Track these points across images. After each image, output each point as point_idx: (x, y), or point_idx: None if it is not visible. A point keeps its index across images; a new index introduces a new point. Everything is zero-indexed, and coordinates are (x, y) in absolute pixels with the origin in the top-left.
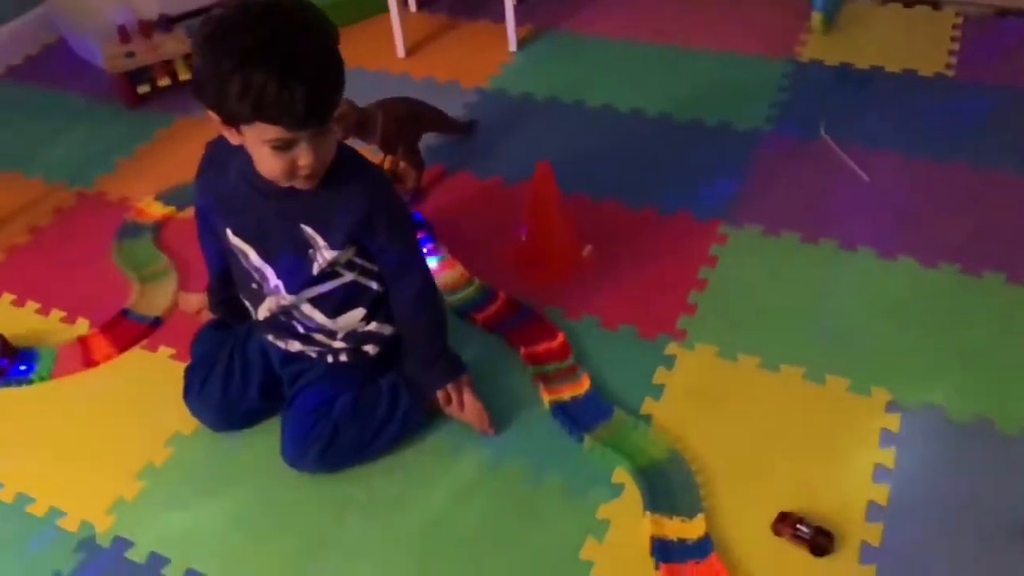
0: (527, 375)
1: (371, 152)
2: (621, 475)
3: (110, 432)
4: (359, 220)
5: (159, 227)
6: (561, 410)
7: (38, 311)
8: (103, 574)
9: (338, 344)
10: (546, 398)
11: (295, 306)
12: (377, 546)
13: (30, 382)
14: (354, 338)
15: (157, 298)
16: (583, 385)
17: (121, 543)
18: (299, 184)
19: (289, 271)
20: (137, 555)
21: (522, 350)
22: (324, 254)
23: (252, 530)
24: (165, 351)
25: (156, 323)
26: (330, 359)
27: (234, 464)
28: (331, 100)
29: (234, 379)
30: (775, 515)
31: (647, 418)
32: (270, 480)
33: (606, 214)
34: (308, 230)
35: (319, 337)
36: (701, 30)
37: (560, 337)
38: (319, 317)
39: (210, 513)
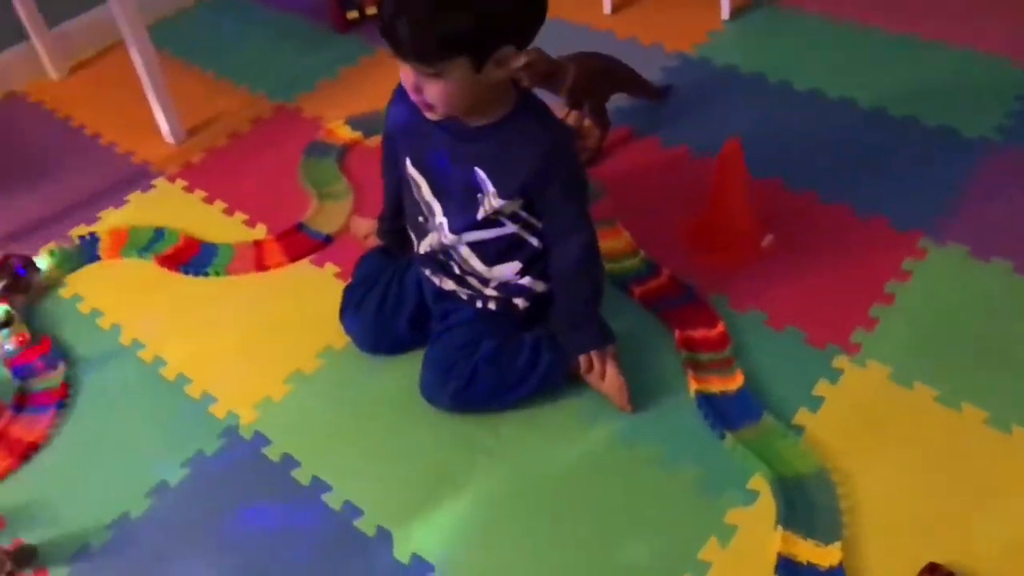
0: (678, 359)
1: (557, 105)
2: (759, 482)
3: (268, 334)
4: (534, 173)
5: (345, 150)
6: (707, 402)
7: (224, 211)
8: (239, 462)
9: (489, 292)
10: (693, 386)
11: (454, 247)
12: (497, 491)
13: (207, 275)
14: (506, 289)
15: (332, 217)
16: (735, 381)
17: (260, 439)
18: (427, 114)
19: (455, 211)
20: (272, 453)
21: (677, 333)
22: (491, 201)
23: (380, 451)
24: (331, 268)
25: (327, 240)
26: (479, 304)
27: (375, 385)
28: (430, 40)
29: (388, 304)
30: (923, 564)
31: (799, 429)
32: (405, 408)
33: (795, 205)
34: (481, 174)
35: (472, 281)
36: (942, 19)
37: (720, 326)
38: (475, 262)
39: (344, 428)
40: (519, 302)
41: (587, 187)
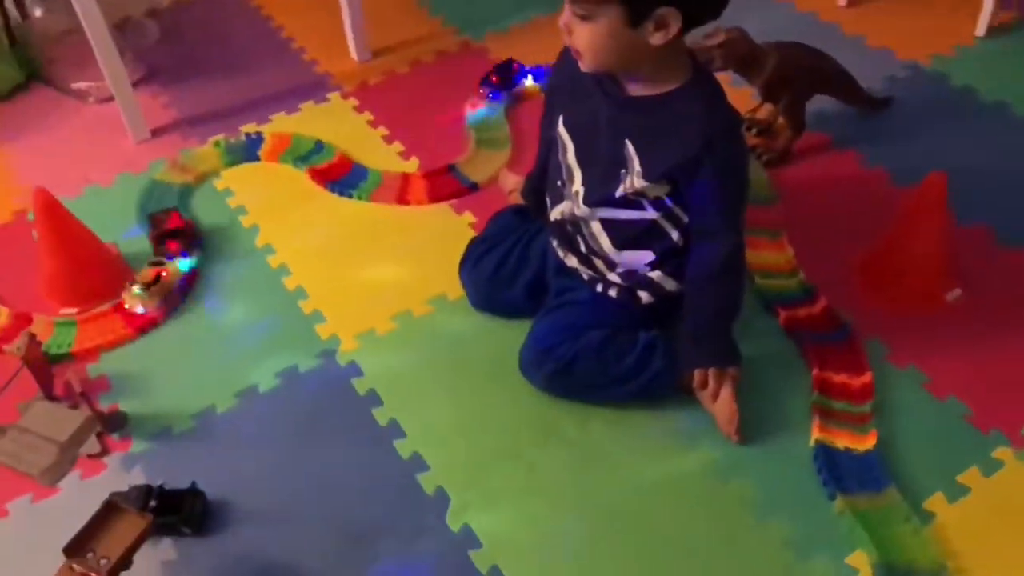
0: (807, 400)
1: (751, 96)
2: (859, 559)
3: (389, 268)
4: (686, 159)
5: (518, 100)
6: (827, 455)
7: (384, 138)
8: (327, 386)
9: (613, 277)
10: (816, 434)
11: (585, 220)
12: (566, 487)
13: (350, 196)
14: (632, 278)
15: (484, 165)
16: (867, 440)
17: (353, 369)
18: (581, 65)
19: (595, 182)
20: (360, 386)
21: (815, 371)
22: (634, 180)
23: (462, 413)
24: (468, 217)
25: (473, 187)
26: (599, 288)
27: (476, 345)
28: None
29: (507, 266)
30: None
31: (927, 515)
32: (499, 375)
33: (1000, 262)
34: (630, 148)
35: (597, 262)
36: None
37: (867, 376)
38: (604, 241)
39: (435, 380)
40: (643, 295)
41: (745, 189)
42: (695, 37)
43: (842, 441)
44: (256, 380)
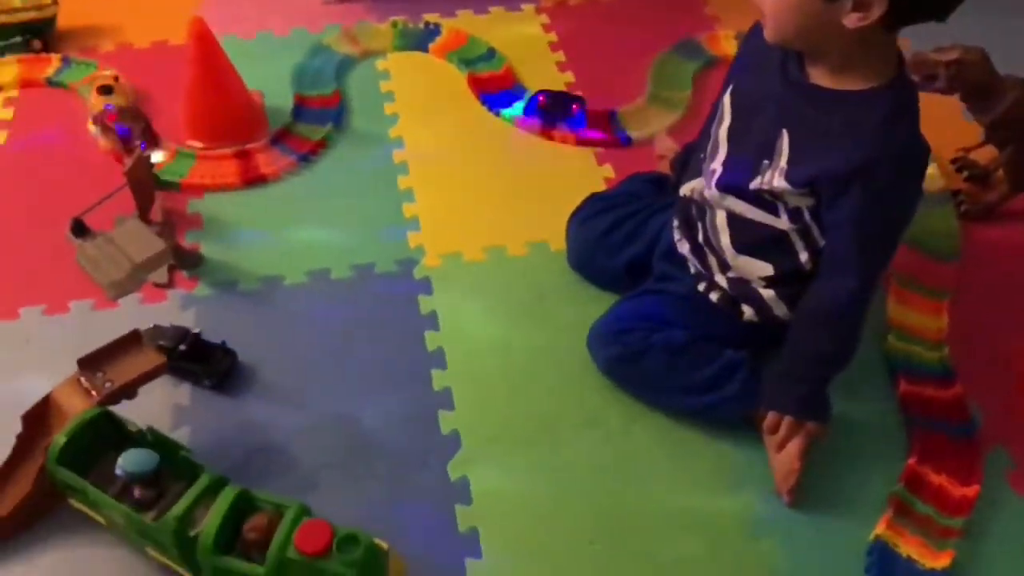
0: (887, 487)
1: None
2: None
3: (505, 200)
4: (838, 173)
5: (713, 61)
6: (884, 556)
7: (559, 64)
8: (393, 292)
9: (720, 280)
10: (880, 529)
11: (711, 207)
12: (582, 481)
13: (497, 114)
14: (740, 288)
15: (648, 121)
16: (939, 559)
17: (424, 286)
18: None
19: (735, 164)
20: (425, 304)
21: (912, 461)
22: (774, 177)
23: (510, 365)
24: (606, 170)
25: (625, 141)
26: (701, 287)
27: (553, 304)
28: None
29: (617, 234)
30: None
31: None
32: (563, 342)
33: None
34: (784, 139)
35: (710, 258)
36: None
37: (973, 489)
38: (724, 239)
39: (496, 322)
40: (747, 311)
41: (895, 235)
42: (926, 49)
43: (909, 548)
44: (331, 266)
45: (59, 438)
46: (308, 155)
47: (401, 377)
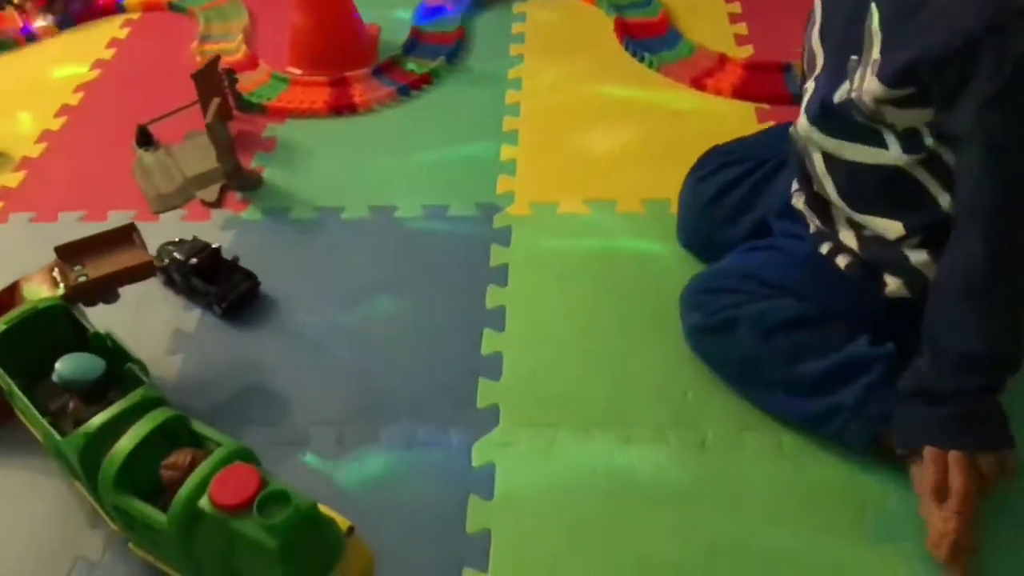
0: None
1: None
2: None
3: (630, 152)
4: (947, 51)
5: None
6: None
7: (731, 16)
8: (464, 237)
9: (848, 239)
10: None
11: (806, 148)
12: (641, 494)
13: (642, 59)
14: (876, 249)
15: None
16: None
17: (503, 234)
18: None
19: (823, 75)
20: (497, 256)
21: None
22: (865, 77)
23: (591, 339)
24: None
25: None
26: (824, 248)
27: (652, 275)
28: None
29: (734, 195)
30: None
31: None
32: (663, 322)
33: None
34: (874, 20)
35: (833, 212)
36: None
37: None
38: (830, 188)
39: (578, 288)
40: (890, 281)
41: None
42: None
43: None
44: (399, 204)
45: None
46: (409, 87)
47: (445, 334)
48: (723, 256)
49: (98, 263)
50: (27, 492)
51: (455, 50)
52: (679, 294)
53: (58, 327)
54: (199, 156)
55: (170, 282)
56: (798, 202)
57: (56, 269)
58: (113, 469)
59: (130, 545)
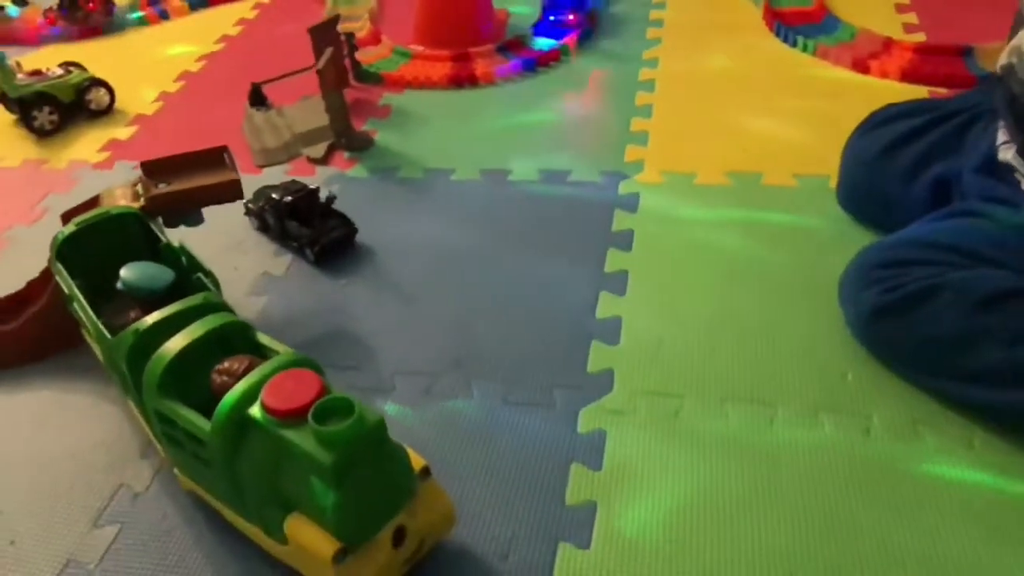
0: None
1: None
2: None
3: (784, 129)
4: None
5: None
6: None
7: (897, 6)
8: (584, 203)
9: None
10: None
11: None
12: (779, 491)
13: (793, 43)
14: None
15: None
16: None
17: (630, 200)
18: None
19: None
20: (620, 221)
21: None
22: None
23: (727, 309)
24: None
25: (981, 80)
26: None
27: (805, 247)
28: None
29: (917, 143)
30: None
31: None
32: (804, 281)
33: None
34: None
35: None
36: None
37: None
38: None
39: (714, 257)
40: None
41: None
42: None
43: None
44: (515, 167)
45: (66, 228)
46: (535, 63)
47: (555, 294)
48: (890, 218)
49: (183, 180)
50: (82, 415)
51: (587, 32)
52: (836, 271)
53: (132, 238)
54: (309, 115)
55: (264, 227)
56: (1006, 155)
57: (140, 184)
58: (159, 369)
59: (176, 472)
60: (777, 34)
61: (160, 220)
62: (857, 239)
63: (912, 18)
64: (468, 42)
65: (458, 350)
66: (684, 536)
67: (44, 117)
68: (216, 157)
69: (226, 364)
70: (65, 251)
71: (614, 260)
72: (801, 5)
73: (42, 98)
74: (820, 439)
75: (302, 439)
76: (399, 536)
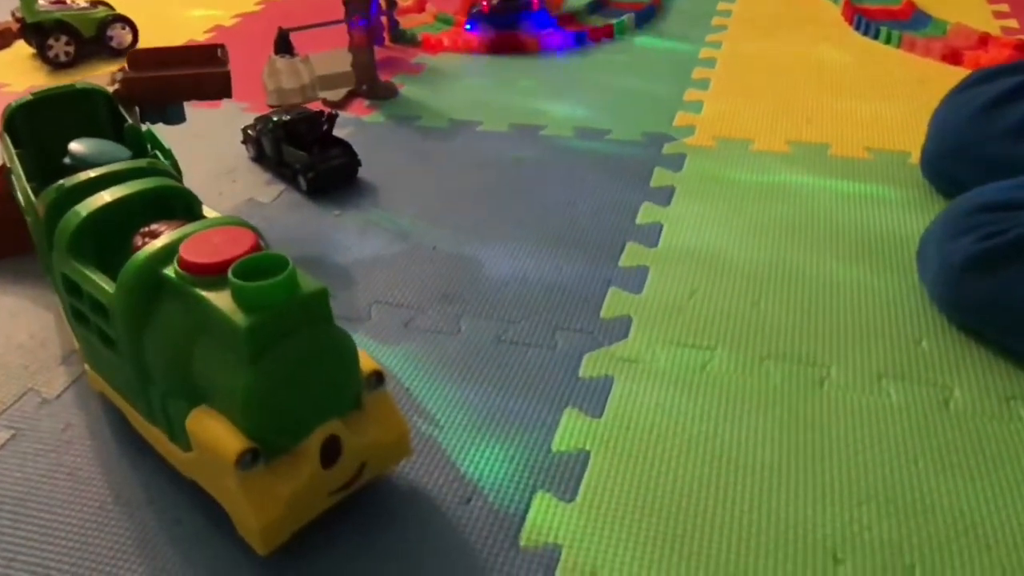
0: None
1: None
2: None
3: (858, 107)
4: None
5: None
6: None
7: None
8: (611, 156)
9: None
10: None
11: None
12: (827, 454)
13: (875, 35)
14: None
15: None
16: None
17: (675, 160)
18: None
19: None
20: (659, 179)
21: None
22: None
23: (768, 263)
24: None
25: None
26: None
27: (872, 208)
28: None
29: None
30: None
31: None
32: (871, 246)
33: None
34: None
35: None
36: None
37: None
38: None
39: (759, 217)
40: None
41: None
42: None
43: None
44: (549, 123)
45: (22, 98)
46: (586, 36)
47: (574, 241)
48: (988, 181)
49: (168, 72)
50: (10, 316)
51: (646, 14)
52: (912, 234)
53: (99, 120)
54: (333, 62)
55: (260, 156)
56: None
57: (121, 71)
58: (71, 225)
59: (86, 369)
60: (857, 27)
61: (137, 111)
62: (939, 209)
63: (1013, 23)
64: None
65: (449, 285)
66: (699, 502)
67: (60, 47)
68: (209, 54)
69: (153, 227)
70: (18, 122)
71: (647, 213)
72: (887, 3)
73: (60, 27)
74: (883, 407)
75: (218, 299)
76: (331, 451)
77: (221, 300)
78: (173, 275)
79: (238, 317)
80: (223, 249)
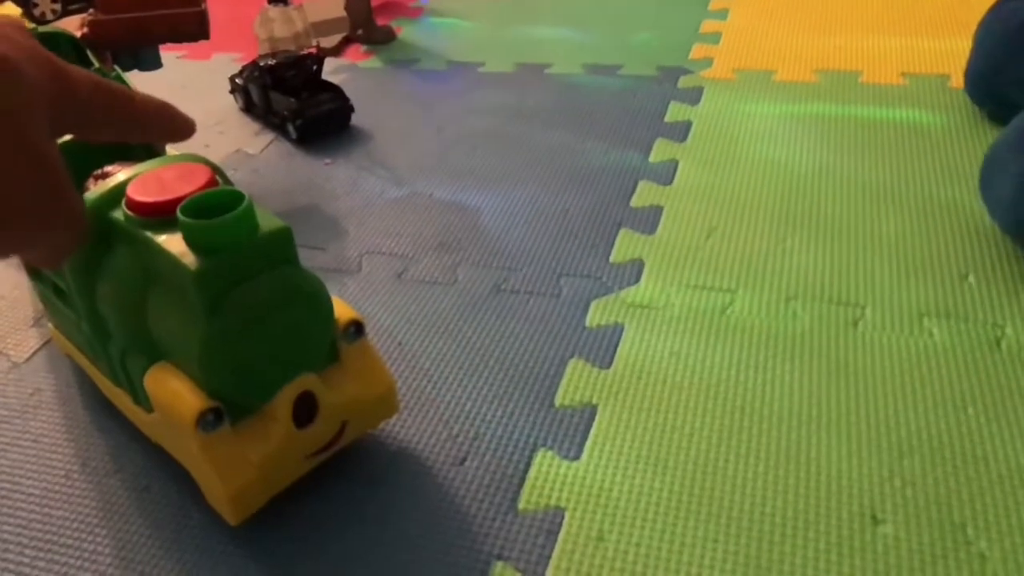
0: None
1: None
2: None
3: (873, 37)
4: None
5: None
6: None
7: None
8: (623, 92)
9: None
10: None
11: None
12: (866, 394)
13: None
14: None
15: None
16: None
17: (690, 94)
18: None
19: None
20: (675, 114)
21: None
22: None
23: (804, 201)
24: None
25: None
26: None
27: (912, 134)
28: None
29: None
30: None
31: None
32: (911, 174)
33: None
34: None
35: None
36: None
37: None
38: None
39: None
40: None
41: None
42: None
43: None
44: (556, 61)
45: None
46: None
47: (582, 181)
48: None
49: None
50: None
51: None
52: (959, 165)
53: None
54: (327, 8)
55: (248, 106)
56: None
57: (90, 13)
58: None
59: (51, 328)
60: None
61: (110, 57)
62: (991, 135)
63: None
64: None
65: (445, 234)
66: (719, 459)
67: (46, 5)
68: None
69: (107, 168)
70: None
71: (662, 150)
72: None
73: None
74: (925, 349)
75: (168, 242)
76: (306, 409)
77: (172, 243)
78: (122, 217)
79: (189, 260)
80: (174, 187)
